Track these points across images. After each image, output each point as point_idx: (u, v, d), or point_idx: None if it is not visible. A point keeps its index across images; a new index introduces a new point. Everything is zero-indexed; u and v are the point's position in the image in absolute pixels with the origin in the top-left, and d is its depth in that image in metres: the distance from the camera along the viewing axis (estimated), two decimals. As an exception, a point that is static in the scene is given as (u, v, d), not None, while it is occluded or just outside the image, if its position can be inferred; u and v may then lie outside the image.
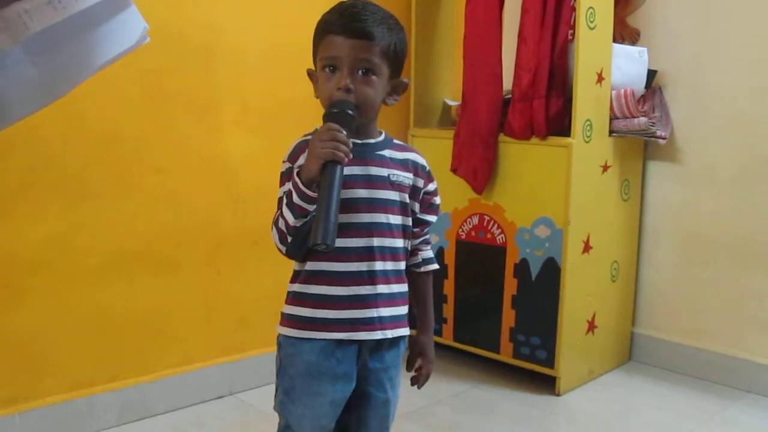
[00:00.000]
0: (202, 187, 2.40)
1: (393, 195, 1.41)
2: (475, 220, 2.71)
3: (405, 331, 1.46)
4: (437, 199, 1.51)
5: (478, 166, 2.65)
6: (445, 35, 2.96)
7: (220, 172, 2.43)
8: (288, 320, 1.42)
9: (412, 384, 1.56)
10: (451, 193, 2.73)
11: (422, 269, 1.54)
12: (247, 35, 2.45)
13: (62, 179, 2.11)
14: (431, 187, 1.49)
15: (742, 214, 2.64)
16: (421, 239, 1.53)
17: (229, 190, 2.46)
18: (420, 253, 1.53)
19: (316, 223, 1.21)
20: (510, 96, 2.60)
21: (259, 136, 2.49)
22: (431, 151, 2.69)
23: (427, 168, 1.49)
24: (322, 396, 1.40)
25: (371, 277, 1.39)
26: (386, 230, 1.40)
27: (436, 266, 1.56)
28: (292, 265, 1.44)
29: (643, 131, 2.60)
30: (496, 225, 2.66)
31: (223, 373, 2.50)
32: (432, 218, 1.52)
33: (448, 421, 2.43)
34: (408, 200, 1.44)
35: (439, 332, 2.83)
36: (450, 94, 3.01)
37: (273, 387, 1.46)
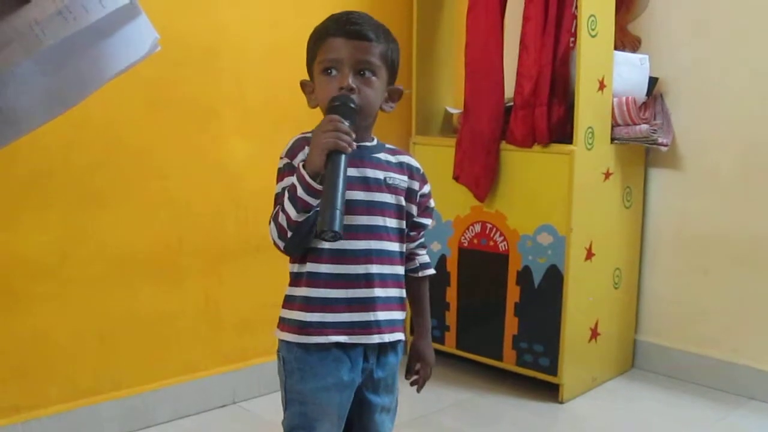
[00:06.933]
0: (205, 194, 2.40)
1: (389, 198, 1.41)
2: (478, 227, 2.71)
3: (401, 336, 1.46)
4: (432, 202, 1.52)
5: (480, 174, 2.65)
6: (447, 42, 2.97)
7: (222, 179, 2.44)
8: (287, 324, 1.41)
9: (412, 385, 1.56)
10: (453, 201, 2.73)
11: (419, 274, 1.54)
12: (248, 41, 2.46)
13: (65, 186, 2.12)
14: (426, 189, 1.50)
15: (744, 220, 2.64)
16: (417, 243, 1.53)
17: (231, 197, 2.46)
18: (417, 257, 1.53)
19: (323, 210, 1.21)
20: (512, 104, 2.61)
21: (262, 142, 2.49)
22: (433, 158, 2.69)
23: (421, 170, 1.50)
24: (330, 406, 1.39)
25: (368, 280, 1.39)
26: (383, 233, 1.40)
27: (432, 271, 1.57)
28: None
29: (644, 138, 2.61)
30: (498, 232, 2.66)
31: (227, 382, 2.50)
32: (427, 221, 1.52)
33: (451, 429, 2.42)
34: (404, 203, 1.44)
35: (441, 340, 2.83)
36: (451, 101, 3.01)
37: (277, 395, 1.45)
